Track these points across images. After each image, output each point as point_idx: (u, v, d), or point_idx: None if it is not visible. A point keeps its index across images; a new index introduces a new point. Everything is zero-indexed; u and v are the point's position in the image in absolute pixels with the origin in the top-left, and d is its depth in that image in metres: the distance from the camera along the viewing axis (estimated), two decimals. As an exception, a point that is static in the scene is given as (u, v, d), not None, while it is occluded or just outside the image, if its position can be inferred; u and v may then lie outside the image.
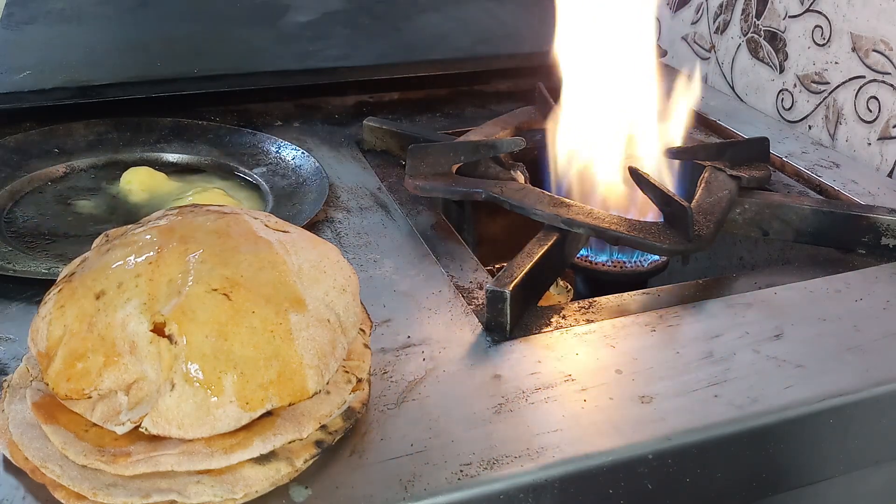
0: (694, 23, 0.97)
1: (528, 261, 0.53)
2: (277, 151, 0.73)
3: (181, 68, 0.85)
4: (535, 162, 0.72)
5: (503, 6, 1.12)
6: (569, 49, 0.67)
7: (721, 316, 0.53)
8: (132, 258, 0.40)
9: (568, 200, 0.60)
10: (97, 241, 0.44)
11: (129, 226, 0.45)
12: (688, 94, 0.70)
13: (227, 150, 0.74)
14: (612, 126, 0.67)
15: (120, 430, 0.37)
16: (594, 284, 0.67)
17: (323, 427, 0.40)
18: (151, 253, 0.40)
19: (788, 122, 0.85)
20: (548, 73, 0.69)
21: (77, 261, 0.43)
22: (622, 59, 0.66)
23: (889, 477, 0.52)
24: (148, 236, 0.42)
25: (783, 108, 0.85)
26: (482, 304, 0.53)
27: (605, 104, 0.67)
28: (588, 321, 0.52)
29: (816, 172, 0.73)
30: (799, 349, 0.50)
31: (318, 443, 0.39)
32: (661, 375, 0.47)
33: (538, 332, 0.51)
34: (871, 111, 0.76)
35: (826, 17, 0.80)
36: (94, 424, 0.38)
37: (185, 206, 0.47)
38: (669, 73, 0.96)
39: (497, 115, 0.78)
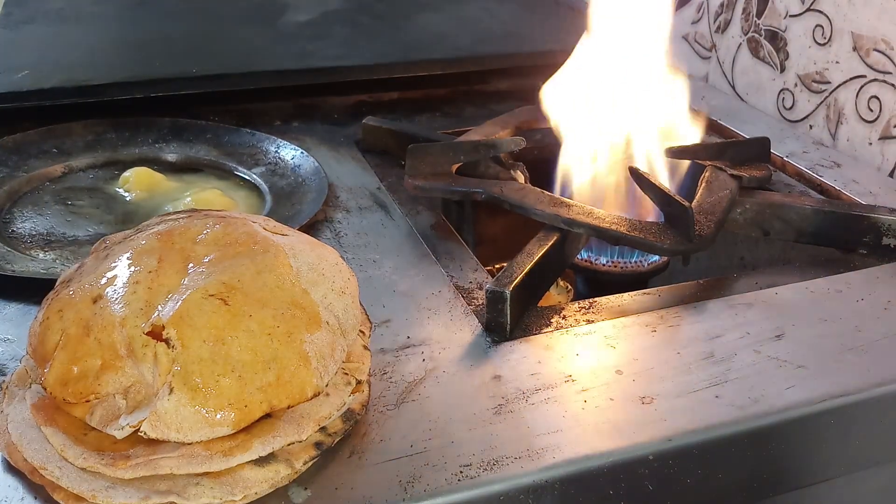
0: (694, 22, 0.97)
1: (528, 261, 0.53)
2: (276, 151, 0.73)
3: (180, 68, 0.85)
4: (536, 162, 0.71)
5: (503, 6, 1.12)
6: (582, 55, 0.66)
7: (722, 316, 0.53)
8: (131, 264, 0.40)
9: (568, 200, 0.60)
10: (96, 245, 0.44)
11: (127, 231, 0.45)
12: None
13: (225, 149, 0.74)
14: (616, 127, 0.67)
15: (119, 435, 0.37)
16: (594, 285, 0.67)
17: (322, 429, 0.39)
18: (150, 259, 0.40)
19: (789, 121, 0.85)
20: (548, 73, 0.69)
21: (75, 266, 0.43)
22: (632, 60, 0.66)
23: (890, 478, 0.52)
24: (146, 242, 0.42)
25: (784, 107, 0.85)
26: (482, 304, 0.53)
27: (610, 105, 0.67)
28: (588, 321, 0.52)
29: (817, 172, 0.73)
30: (800, 350, 0.49)
31: (317, 444, 0.39)
32: (662, 376, 0.47)
33: (538, 333, 0.51)
34: (872, 111, 0.76)
35: (827, 17, 0.79)
36: (94, 427, 0.38)
37: (184, 211, 0.47)
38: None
39: (497, 115, 0.78)
